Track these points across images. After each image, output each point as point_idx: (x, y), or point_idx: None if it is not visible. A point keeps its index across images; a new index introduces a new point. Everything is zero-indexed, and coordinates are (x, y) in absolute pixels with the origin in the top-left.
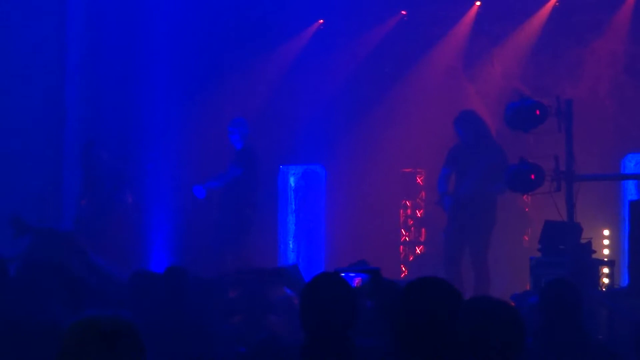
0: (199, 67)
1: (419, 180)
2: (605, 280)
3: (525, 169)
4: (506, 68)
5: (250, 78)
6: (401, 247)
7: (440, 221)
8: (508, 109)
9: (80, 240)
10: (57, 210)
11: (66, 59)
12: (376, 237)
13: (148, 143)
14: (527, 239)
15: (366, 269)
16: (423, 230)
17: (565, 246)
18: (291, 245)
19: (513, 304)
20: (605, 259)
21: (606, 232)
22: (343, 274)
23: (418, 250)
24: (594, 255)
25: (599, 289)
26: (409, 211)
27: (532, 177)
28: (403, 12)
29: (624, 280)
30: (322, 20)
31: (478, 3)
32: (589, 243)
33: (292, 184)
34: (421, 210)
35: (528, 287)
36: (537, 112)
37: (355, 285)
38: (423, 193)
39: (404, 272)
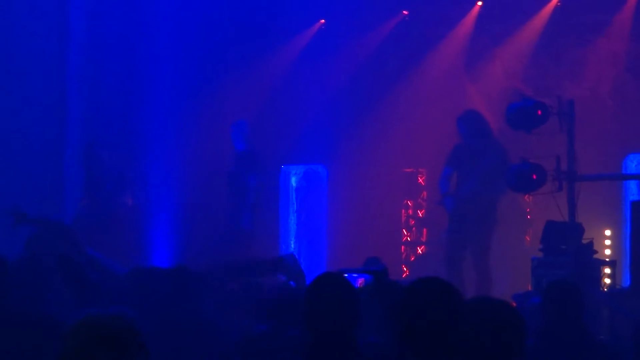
0: (200, 67)
1: (420, 180)
2: (607, 281)
3: (527, 169)
4: (508, 68)
5: (252, 78)
6: (402, 247)
7: (442, 221)
8: (510, 109)
9: (79, 235)
10: (58, 209)
11: (68, 58)
12: (378, 237)
13: (149, 143)
14: (528, 239)
15: (369, 269)
16: (424, 230)
17: (566, 246)
18: (293, 245)
19: (514, 304)
20: (607, 259)
21: (608, 233)
22: (346, 275)
23: (419, 250)
24: (596, 256)
25: (601, 289)
26: (410, 211)
27: (534, 177)
28: (405, 12)
29: (625, 281)
30: (323, 20)
31: (480, 3)
32: (591, 243)
33: (294, 184)
34: (423, 210)
35: (529, 288)
36: (539, 112)
37: (359, 285)
38: (425, 193)
39: (405, 272)
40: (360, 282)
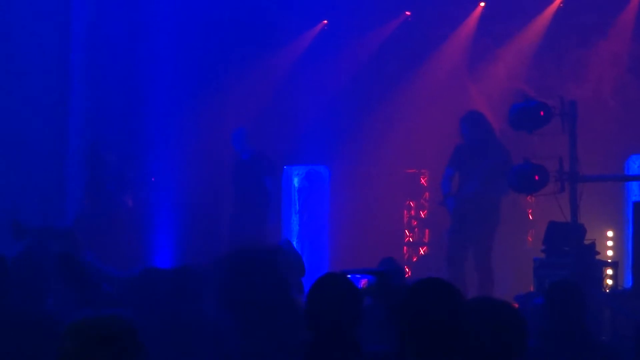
0: (202, 67)
1: (422, 181)
2: (609, 282)
3: (529, 170)
4: (510, 69)
5: (254, 79)
6: (405, 247)
7: (444, 222)
8: (512, 110)
9: (78, 238)
10: (60, 209)
11: (70, 58)
12: (380, 237)
13: (151, 143)
14: (530, 239)
15: (372, 270)
16: (427, 231)
17: (569, 247)
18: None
19: (517, 305)
20: (609, 260)
21: (610, 233)
22: (349, 275)
23: (422, 251)
24: (598, 257)
25: (603, 290)
26: (412, 212)
27: (536, 178)
28: (407, 13)
29: (627, 282)
30: (326, 21)
31: (482, 4)
32: (593, 244)
33: (296, 185)
34: (425, 211)
35: (532, 288)
36: (541, 112)
37: (362, 286)
38: (427, 194)
39: (407, 273)
40: (363, 282)
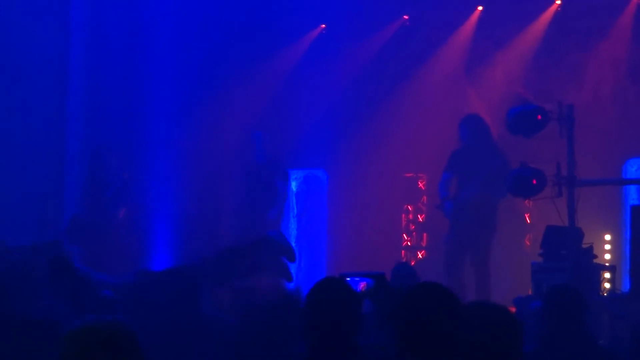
0: (201, 71)
1: (420, 185)
2: (607, 285)
3: (526, 174)
4: (508, 73)
5: (252, 83)
6: (403, 252)
7: (442, 226)
8: (509, 114)
9: (66, 250)
10: (58, 212)
11: (68, 59)
12: (378, 241)
13: (149, 144)
14: (528, 244)
15: (370, 273)
16: (425, 235)
17: (566, 251)
18: None
19: (514, 309)
20: (607, 264)
21: (607, 237)
22: (348, 278)
23: (420, 255)
24: (596, 260)
25: (600, 294)
26: (410, 216)
27: (534, 182)
28: (405, 17)
29: (625, 285)
30: (324, 25)
31: (480, 8)
32: (591, 248)
33: (294, 189)
34: (423, 215)
35: (529, 292)
36: (539, 117)
37: (361, 289)
38: (425, 198)
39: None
40: (362, 285)
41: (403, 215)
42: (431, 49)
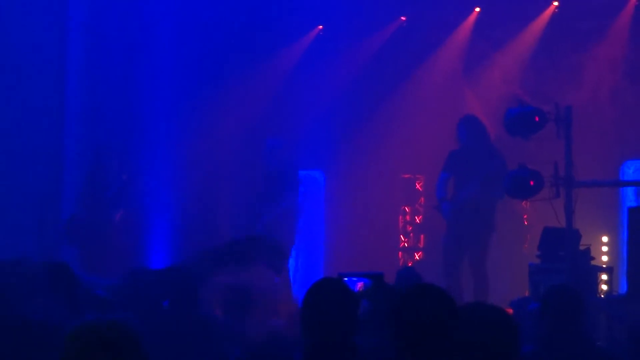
0: (199, 72)
1: (418, 186)
2: (604, 287)
3: (524, 175)
4: (506, 74)
5: (250, 84)
6: (400, 253)
7: (440, 227)
8: (507, 115)
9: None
10: (57, 212)
11: (67, 60)
12: (375, 243)
13: (148, 145)
14: (526, 245)
15: (367, 273)
16: (422, 236)
17: (564, 253)
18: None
19: (511, 310)
20: (604, 266)
21: (605, 239)
22: (346, 279)
23: (417, 256)
24: (593, 262)
25: (598, 295)
26: (407, 217)
27: (532, 183)
28: (403, 18)
29: (622, 287)
30: (321, 26)
31: (478, 9)
32: (588, 249)
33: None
34: (420, 216)
35: (527, 294)
36: (537, 118)
37: (358, 289)
38: (422, 199)
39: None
40: (359, 285)
41: (400, 216)
42: (429, 50)
